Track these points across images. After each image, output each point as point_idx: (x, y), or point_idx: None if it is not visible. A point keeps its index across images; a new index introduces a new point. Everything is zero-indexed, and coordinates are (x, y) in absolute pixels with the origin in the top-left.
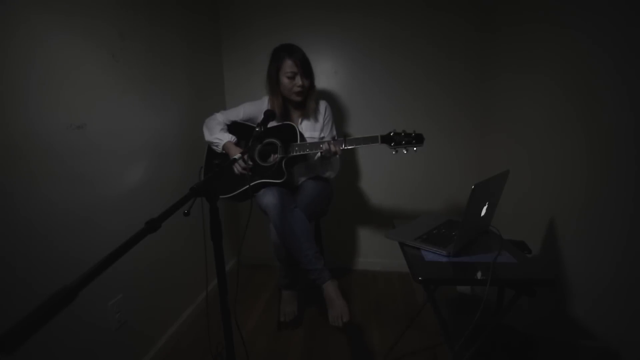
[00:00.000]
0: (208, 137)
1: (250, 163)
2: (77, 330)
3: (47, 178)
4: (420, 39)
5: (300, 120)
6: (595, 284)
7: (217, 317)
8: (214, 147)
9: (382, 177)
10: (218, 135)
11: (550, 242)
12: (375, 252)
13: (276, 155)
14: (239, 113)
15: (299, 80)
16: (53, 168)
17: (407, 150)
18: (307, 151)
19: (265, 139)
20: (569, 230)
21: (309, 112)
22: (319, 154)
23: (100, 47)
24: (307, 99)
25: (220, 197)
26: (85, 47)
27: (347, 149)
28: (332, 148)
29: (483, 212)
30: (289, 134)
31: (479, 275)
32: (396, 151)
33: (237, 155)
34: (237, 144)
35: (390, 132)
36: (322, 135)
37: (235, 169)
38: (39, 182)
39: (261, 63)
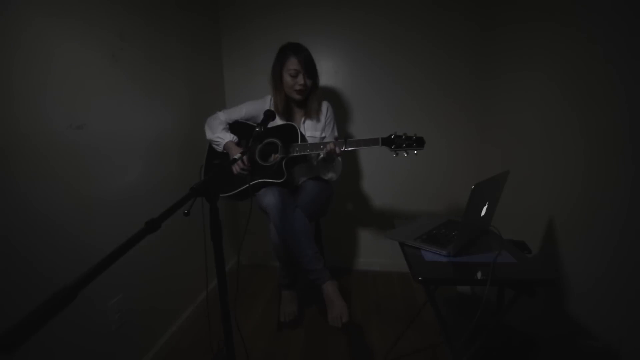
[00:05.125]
0: (209, 135)
1: (248, 165)
2: (77, 330)
3: (47, 178)
4: (421, 37)
5: (303, 119)
6: (596, 284)
7: (217, 317)
8: (215, 146)
9: (382, 177)
10: (220, 135)
11: (550, 242)
12: (375, 252)
13: (276, 155)
14: (240, 112)
15: (300, 79)
16: (53, 168)
17: (407, 153)
18: (308, 152)
19: (266, 139)
20: (569, 230)
21: (311, 113)
22: (321, 155)
23: (100, 46)
24: (309, 99)
25: (220, 195)
26: (85, 46)
27: (348, 150)
28: (333, 149)
29: (483, 212)
30: (290, 134)
31: (479, 275)
32: (397, 154)
33: (237, 155)
34: (238, 143)
35: (391, 135)
36: (323, 135)
37: (234, 169)
38: (38, 182)
39: (261, 62)
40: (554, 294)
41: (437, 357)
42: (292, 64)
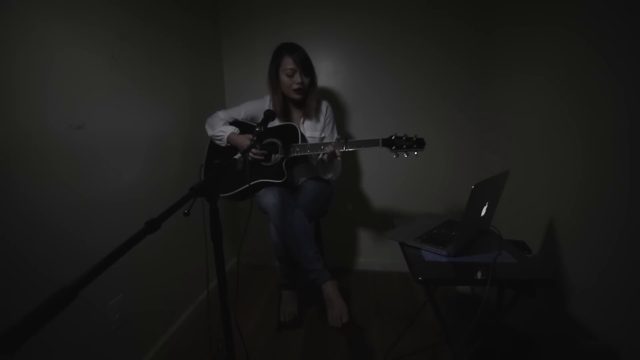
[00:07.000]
0: (210, 132)
1: (261, 149)
2: (77, 330)
3: (47, 178)
4: (421, 38)
5: (302, 120)
6: (596, 284)
7: (217, 317)
8: (218, 142)
9: (382, 177)
10: (221, 129)
11: (550, 242)
12: (375, 252)
13: (277, 155)
14: (240, 112)
15: (297, 78)
16: (53, 168)
17: (407, 155)
18: (308, 152)
19: (266, 139)
20: (569, 230)
21: (310, 112)
22: (320, 156)
23: (100, 47)
24: (307, 98)
25: (220, 195)
26: (85, 47)
27: (348, 151)
28: (333, 150)
29: (483, 212)
30: (291, 134)
31: (479, 275)
32: (397, 155)
33: (241, 152)
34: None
35: (392, 136)
36: (322, 135)
37: (249, 156)
38: (38, 182)
39: (261, 63)
40: (554, 293)
41: (437, 357)
42: (288, 63)
